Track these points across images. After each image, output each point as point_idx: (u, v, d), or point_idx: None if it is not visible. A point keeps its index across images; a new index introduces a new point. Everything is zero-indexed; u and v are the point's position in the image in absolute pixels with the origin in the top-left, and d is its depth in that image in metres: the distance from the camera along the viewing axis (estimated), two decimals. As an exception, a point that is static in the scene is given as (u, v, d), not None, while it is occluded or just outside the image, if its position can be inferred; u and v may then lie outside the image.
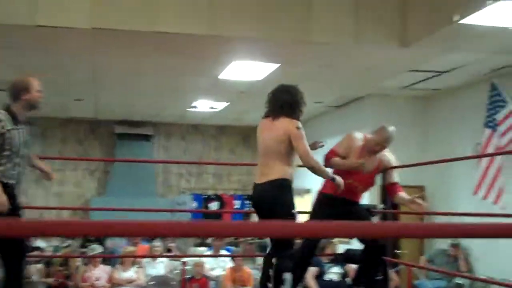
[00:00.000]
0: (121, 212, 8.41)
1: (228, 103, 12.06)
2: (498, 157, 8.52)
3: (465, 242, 9.60)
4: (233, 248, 11.47)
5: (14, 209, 4.46)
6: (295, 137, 4.63)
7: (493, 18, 6.50)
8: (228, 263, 9.70)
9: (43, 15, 6.80)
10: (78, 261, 9.70)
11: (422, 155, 10.00)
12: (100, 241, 11.16)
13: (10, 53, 8.28)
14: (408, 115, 10.90)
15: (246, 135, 15.45)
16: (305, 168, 4.84)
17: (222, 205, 14.97)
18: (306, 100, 4.88)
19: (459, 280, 9.24)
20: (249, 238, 11.03)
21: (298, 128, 4.65)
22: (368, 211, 5.96)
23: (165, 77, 9.86)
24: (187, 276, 8.80)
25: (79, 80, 10.18)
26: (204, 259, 9.47)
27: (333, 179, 4.88)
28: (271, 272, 4.65)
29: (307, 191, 11.23)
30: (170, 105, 12.73)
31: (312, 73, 9.11)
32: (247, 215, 15.12)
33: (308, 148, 4.70)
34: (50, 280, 9.46)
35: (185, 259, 8.61)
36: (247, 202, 15.19)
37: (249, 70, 9.00)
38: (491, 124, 8.74)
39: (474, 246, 9.52)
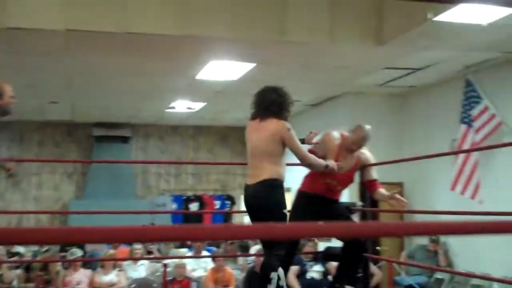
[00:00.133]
0: (100, 214, 8.39)
1: (205, 103, 12.06)
2: (474, 153, 8.61)
3: (444, 237, 9.69)
4: (214, 248, 11.47)
5: None
6: (288, 139, 4.68)
7: (466, 15, 6.57)
8: (209, 263, 9.70)
9: (14, 17, 6.74)
10: (58, 266, 9.63)
11: (399, 152, 10.08)
12: (80, 245, 11.10)
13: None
14: (385, 112, 10.97)
15: (224, 135, 15.49)
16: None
17: (202, 206, 14.95)
18: (292, 100, 4.91)
19: (439, 275, 9.33)
20: (229, 238, 11.02)
21: (289, 129, 4.69)
22: (348, 208, 5.99)
23: (142, 78, 9.83)
24: (169, 278, 8.78)
25: (55, 83, 10.11)
26: (185, 260, 9.46)
27: (326, 166, 4.97)
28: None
29: (287, 189, 11.22)
30: (147, 106, 12.69)
31: (288, 72, 9.14)
32: (228, 215, 15.14)
33: (302, 147, 4.79)
34: (30, 285, 9.39)
35: (166, 261, 8.58)
36: (227, 202, 15.20)
37: (226, 70, 9.01)
38: (467, 120, 8.83)
39: (453, 241, 9.61)
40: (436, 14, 6.56)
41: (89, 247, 11.69)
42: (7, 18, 6.72)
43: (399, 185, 10.06)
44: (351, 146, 5.30)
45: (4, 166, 5.28)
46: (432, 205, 9.73)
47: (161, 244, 11.78)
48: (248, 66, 8.79)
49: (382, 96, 10.99)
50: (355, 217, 6.33)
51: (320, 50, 8.06)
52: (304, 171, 5.39)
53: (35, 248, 11.47)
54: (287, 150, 4.77)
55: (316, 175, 5.25)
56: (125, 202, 13.36)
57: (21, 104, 12.01)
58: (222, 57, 8.42)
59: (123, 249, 10.68)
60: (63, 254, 10.86)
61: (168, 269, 8.42)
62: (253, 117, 4.90)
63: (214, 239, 9.24)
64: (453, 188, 8.80)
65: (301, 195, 5.46)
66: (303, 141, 5.05)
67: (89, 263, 9.97)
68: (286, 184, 4.78)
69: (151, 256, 10.42)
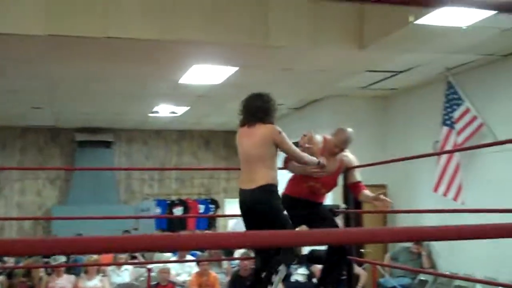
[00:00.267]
0: (83, 220, 8.35)
1: (189, 108, 12.05)
2: (456, 154, 8.67)
3: (427, 238, 9.74)
4: (198, 253, 11.44)
5: None
6: (280, 142, 4.77)
7: (446, 18, 6.63)
8: (194, 268, 9.69)
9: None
10: (41, 271, 9.57)
11: (382, 154, 10.12)
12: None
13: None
14: (367, 115, 11.02)
15: (207, 139, 15.49)
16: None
17: (186, 210, 14.92)
18: (277, 106, 4.99)
19: (422, 277, 9.39)
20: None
21: (279, 132, 4.78)
22: (331, 211, 6.01)
23: (125, 83, 9.80)
24: (153, 283, 8.76)
25: (37, 88, 10.05)
26: (169, 265, 9.44)
27: (319, 163, 5.05)
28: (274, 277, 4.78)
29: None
30: (130, 111, 12.65)
31: (271, 76, 9.16)
32: (212, 219, 15.12)
33: (295, 148, 4.88)
34: (13, 291, 9.33)
35: (150, 266, 8.56)
36: (211, 206, 15.18)
37: (209, 74, 9.01)
38: (449, 122, 8.89)
39: (436, 243, 9.67)
40: (417, 17, 6.61)
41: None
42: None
43: (383, 187, 10.12)
44: (333, 149, 5.32)
45: None
46: (415, 207, 9.79)
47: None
48: (231, 70, 8.80)
49: (365, 99, 11.04)
50: (339, 220, 6.36)
51: (302, 53, 8.09)
52: (287, 174, 5.41)
53: (18, 254, 11.37)
54: (279, 153, 4.87)
55: (300, 178, 5.27)
56: (109, 207, 13.30)
57: (3, 110, 12.00)
58: (205, 61, 8.42)
59: (107, 255, 10.63)
60: (46, 259, 10.79)
61: (152, 274, 8.41)
62: (242, 124, 4.98)
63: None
64: (436, 190, 8.85)
65: (285, 199, 5.45)
66: (297, 144, 5.10)
67: (72, 268, 9.91)
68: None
69: (135, 261, 10.38)
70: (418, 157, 6.32)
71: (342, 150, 5.37)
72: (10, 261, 11.06)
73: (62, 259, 9.82)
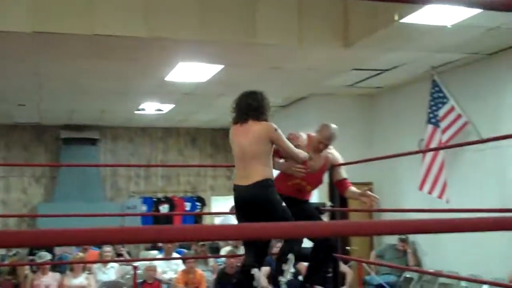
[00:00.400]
0: (69, 218, 8.32)
1: (174, 105, 12.04)
2: (441, 152, 8.73)
3: (413, 236, 9.81)
4: (184, 250, 11.45)
5: None
6: (277, 139, 4.84)
7: (432, 17, 6.67)
8: (180, 265, 9.69)
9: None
10: (27, 269, 9.53)
11: (368, 152, 10.17)
12: (48, 248, 10.98)
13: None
14: (353, 113, 11.06)
15: (193, 136, 15.47)
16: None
17: (172, 208, 14.90)
18: (269, 103, 5.06)
19: (408, 274, 9.44)
20: (200, 240, 11.00)
21: (276, 129, 4.84)
22: (317, 209, 6.03)
23: (110, 80, 9.78)
24: (139, 281, 8.75)
25: (22, 85, 10.00)
26: (155, 263, 9.43)
27: (310, 158, 5.12)
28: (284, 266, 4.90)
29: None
30: (116, 108, 12.62)
31: (257, 74, 9.17)
32: (198, 217, 15.11)
33: (291, 145, 4.95)
34: (-2, 290, 9.28)
35: (136, 263, 8.55)
36: (198, 204, 15.17)
37: (195, 71, 9.01)
38: (434, 120, 8.95)
39: (422, 240, 9.74)
40: (402, 16, 6.65)
41: (58, 250, 11.59)
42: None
43: (369, 185, 10.15)
44: (318, 145, 5.34)
45: None
46: (401, 205, 9.84)
47: (130, 246, 11.72)
48: (217, 68, 8.80)
49: (351, 97, 11.08)
50: (325, 218, 6.38)
51: (289, 52, 8.10)
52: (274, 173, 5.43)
53: (2, 251, 11.33)
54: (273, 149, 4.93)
55: (285, 176, 5.28)
56: (95, 204, 13.27)
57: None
58: (191, 59, 8.42)
59: (93, 252, 10.60)
60: (31, 257, 10.76)
61: (138, 272, 8.39)
62: (235, 122, 5.02)
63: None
64: (421, 188, 8.91)
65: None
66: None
67: (58, 266, 9.87)
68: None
69: (121, 258, 10.36)
70: (404, 155, 6.35)
71: (326, 146, 5.39)
72: (-6, 259, 11.02)
73: (47, 256, 9.78)
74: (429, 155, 8.79)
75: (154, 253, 10.95)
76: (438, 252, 9.30)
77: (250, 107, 4.91)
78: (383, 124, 10.92)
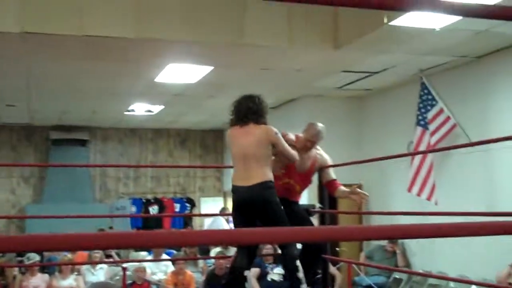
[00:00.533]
0: (58, 219, 8.29)
1: (164, 106, 12.03)
2: (430, 155, 8.77)
3: (401, 237, 9.83)
4: (174, 251, 11.44)
5: None
6: (277, 143, 4.98)
7: (420, 20, 6.71)
8: (169, 267, 9.68)
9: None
10: (15, 270, 9.50)
11: (357, 154, 10.19)
12: (37, 249, 10.93)
13: None
14: (343, 114, 11.10)
15: (183, 137, 15.47)
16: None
17: (162, 209, 14.89)
18: (267, 106, 5.21)
19: (397, 275, 9.48)
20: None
21: (276, 133, 4.99)
22: (307, 211, 6.06)
23: (100, 81, 9.76)
24: (128, 282, 8.73)
25: (12, 86, 9.96)
26: (145, 264, 9.42)
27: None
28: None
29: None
30: (106, 109, 12.59)
31: (247, 75, 9.18)
32: (188, 218, 15.11)
33: (289, 147, 5.10)
34: (-14, 291, 9.24)
35: (125, 265, 8.54)
36: (187, 205, 15.16)
37: (184, 73, 9.01)
38: (422, 122, 8.99)
39: (411, 241, 9.77)
40: (391, 19, 6.68)
41: (46, 252, 11.54)
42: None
43: (357, 187, 10.16)
44: (305, 144, 5.39)
45: None
46: (389, 206, 9.89)
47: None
48: (207, 69, 8.80)
49: (340, 99, 11.11)
50: (314, 219, 6.41)
51: (278, 53, 8.12)
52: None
53: (-9, 253, 11.28)
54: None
55: (275, 176, 5.31)
56: (84, 206, 13.25)
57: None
58: (181, 60, 8.42)
59: (82, 253, 10.57)
60: (20, 258, 10.71)
61: (127, 273, 8.37)
62: (233, 124, 5.12)
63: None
64: (410, 190, 8.94)
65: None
66: None
67: (46, 267, 9.85)
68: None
69: (110, 260, 10.33)
70: (393, 157, 6.39)
71: (313, 143, 5.43)
72: (-17, 260, 10.96)
73: (36, 258, 9.75)
74: (418, 157, 8.83)
75: (144, 254, 10.93)
76: (427, 253, 9.35)
77: (250, 110, 5.02)
78: (372, 126, 10.95)
